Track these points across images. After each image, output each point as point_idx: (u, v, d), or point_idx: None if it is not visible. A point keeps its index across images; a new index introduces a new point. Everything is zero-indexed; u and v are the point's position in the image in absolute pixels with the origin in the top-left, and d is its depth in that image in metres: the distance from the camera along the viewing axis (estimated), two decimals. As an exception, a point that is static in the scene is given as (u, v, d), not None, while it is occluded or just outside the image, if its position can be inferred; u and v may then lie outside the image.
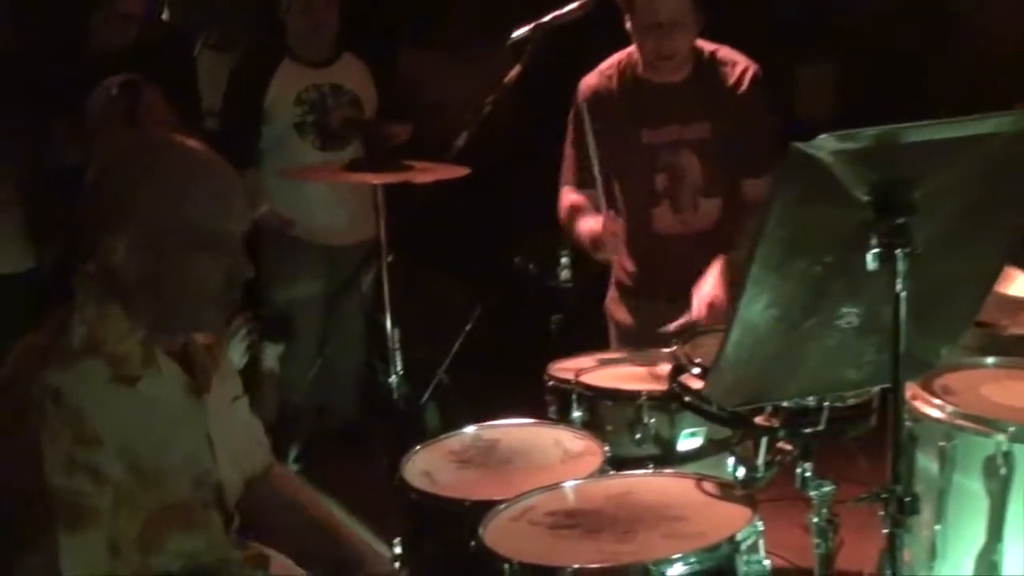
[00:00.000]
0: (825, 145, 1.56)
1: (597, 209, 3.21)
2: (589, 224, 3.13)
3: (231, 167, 1.85)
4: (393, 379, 3.35)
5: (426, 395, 4.44)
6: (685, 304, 3.12)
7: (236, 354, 2.84)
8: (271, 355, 4.20)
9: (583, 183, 3.24)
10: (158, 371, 1.81)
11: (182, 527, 1.80)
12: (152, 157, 1.80)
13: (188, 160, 1.81)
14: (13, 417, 1.68)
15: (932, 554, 2.33)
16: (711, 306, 2.93)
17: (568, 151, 3.30)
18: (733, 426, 2.41)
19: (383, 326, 3.41)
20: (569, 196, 3.28)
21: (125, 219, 1.74)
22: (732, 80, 3.17)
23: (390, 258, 3.42)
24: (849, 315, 1.79)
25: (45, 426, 1.65)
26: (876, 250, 1.63)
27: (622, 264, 3.37)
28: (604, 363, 2.92)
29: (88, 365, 1.72)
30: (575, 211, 3.23)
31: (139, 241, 1.75)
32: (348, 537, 2.10)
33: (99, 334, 1.75)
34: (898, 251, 1.63)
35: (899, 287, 1.64)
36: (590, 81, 3.26)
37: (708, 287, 2.97)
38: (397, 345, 3.37)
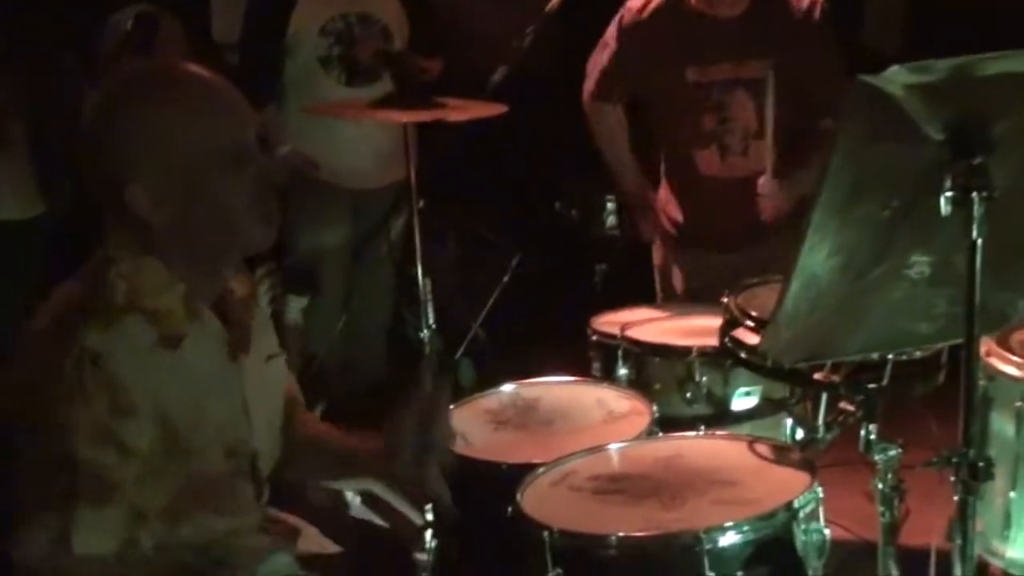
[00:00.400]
0: (896, 78, 1.54)
1: (620, 129, 3.28)
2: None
3: (224, 79, 1.86)
4: (424, 333, 3.36)
5: (460, 351, 4.46)
6: (735, 255, 3.11)
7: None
8: (294, 308, 4.23)
9: (603, 95, 3.28)
10: (202, 325, 1.82)
11: (210, 501, 1.82)
12: (148, 89, 1.81)
13: (185, 82, 1.81)
14: (49, 378, 1.69)
15: (1006, 523, 2.33)
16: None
17: (598, 61, 3.29)
18: (791, 382, 2.41)
19: (414, 276, 3.42)
20: (597, 108, 3.34)
21: (138, 162, 1.75)
22: (799, 12, 3.12)
23: (421, 203, 3.42)
24: (919, 264, 1.77)
25: (81, 392, 1.66)
26: (950, 193, 1.61)
27: (667, 212, 3.36)
28: (652, 317, 2.92)
29: (130, 325, 1.73)
30: (610, 139, 3.30)
31: (160, 181, 1.75)
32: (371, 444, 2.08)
33: (138, 289, 1.76)
34: (974, 194, 1.60)
35: (975, 233, 1.62)
36: (636, 5, 3.23)
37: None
38: (429, 297, 3.38)
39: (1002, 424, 2.32)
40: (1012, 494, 2.31)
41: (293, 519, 2.10)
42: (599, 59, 3.30)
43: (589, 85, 3.34)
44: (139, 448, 1.71)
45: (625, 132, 3.38)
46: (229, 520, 1.87)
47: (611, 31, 3.25)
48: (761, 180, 3.04)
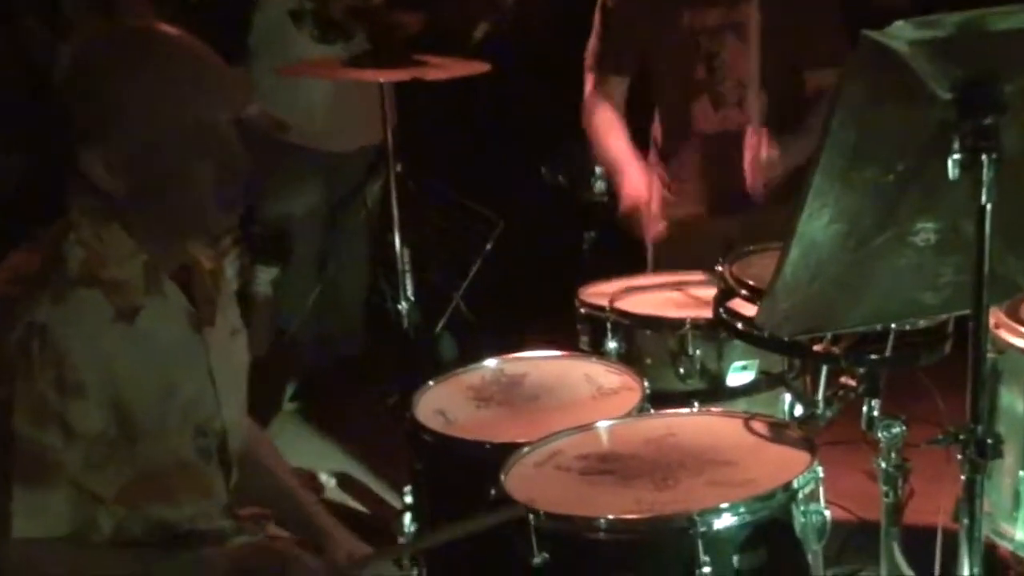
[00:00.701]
0: (901, 33, 1.54)
1: (620, 104, 3.25)
2: (629, 179, 3.17)
3: (214, 52, 1.83)
4: (403, 305, 3.36)
5: (440, 323, 4.46)
6: (729, 219, 3.11)
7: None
8: (264, 279, 4.22)
9: (605, 69, 3.26)
10: (163, 298, 1.82)
11: (176, 483, 1.83)
12: (125, 52, 1.78)
13: (168, 50, 1.78)
14: None
15: (1016, 503, 2.34)
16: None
17: (596, 29, 3.27)
18: (789, 355, 2.41)
19: (391, 245, 3.41)
20: (596, 101, 3.29)
21: (95, 130, 1.73)
22: None
23: (399, 167, 3.42)
24: (925, 231, 1.77)
25: (26, 366, 1.66)
26: (958, 155, 1.61)
27: (659, 172, 3.35)
28: (642, 287, 2.92)
29: (84, 299, 1.73)
30: (607, 130, 3.25)
31: (117, 152, 1.73)
32: (316, 514, 2.10)
33: (98, 257, 1.76)
34: (984, 156, 1.60)
35: (984, 198, 1.62)
36: None
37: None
38: (407, 267, 3.38)
39: (1011, 399, 2.33)
40: (1022, 473, 2.32)
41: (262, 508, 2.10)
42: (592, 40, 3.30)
43: (588, 64, 3.33)
44: (87, 430, 1.70)
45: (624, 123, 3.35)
46: (196, 503, 1.87)
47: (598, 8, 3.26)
48: (758, 148, 3.01)
